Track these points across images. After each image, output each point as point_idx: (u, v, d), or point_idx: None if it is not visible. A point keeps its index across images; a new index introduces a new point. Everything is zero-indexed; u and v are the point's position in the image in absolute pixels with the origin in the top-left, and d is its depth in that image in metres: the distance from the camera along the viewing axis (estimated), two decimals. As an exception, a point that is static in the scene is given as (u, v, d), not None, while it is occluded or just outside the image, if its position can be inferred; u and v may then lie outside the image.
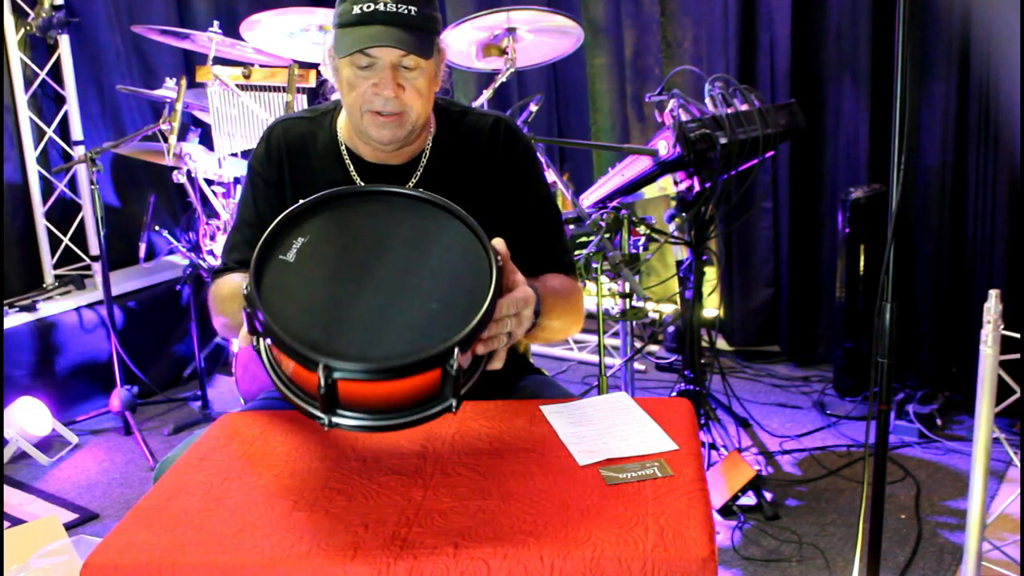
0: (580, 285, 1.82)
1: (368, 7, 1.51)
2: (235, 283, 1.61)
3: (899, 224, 1.69)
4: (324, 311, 1.22)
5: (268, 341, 1.20)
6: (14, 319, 3.42)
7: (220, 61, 3.32)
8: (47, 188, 3.85)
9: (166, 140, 3.21)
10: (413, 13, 1.52)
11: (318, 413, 1.19)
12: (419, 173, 1.68)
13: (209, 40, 3.29)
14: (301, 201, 1.33)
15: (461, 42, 3.06)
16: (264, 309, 1.19)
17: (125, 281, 3.82)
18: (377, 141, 1.62)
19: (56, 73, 3.80)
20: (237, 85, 3.32)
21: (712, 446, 2.78)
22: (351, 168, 1.68)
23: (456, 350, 1.16)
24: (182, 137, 3.37)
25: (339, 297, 1.24)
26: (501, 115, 1.75)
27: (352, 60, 1.55)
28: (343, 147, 1.70)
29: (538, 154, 1.94)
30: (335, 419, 1.19)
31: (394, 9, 1.51)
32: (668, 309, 4.05)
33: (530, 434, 1.40)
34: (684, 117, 2.61)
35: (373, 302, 1.23)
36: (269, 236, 1.28)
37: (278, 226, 1.30)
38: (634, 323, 3.19)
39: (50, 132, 3.83)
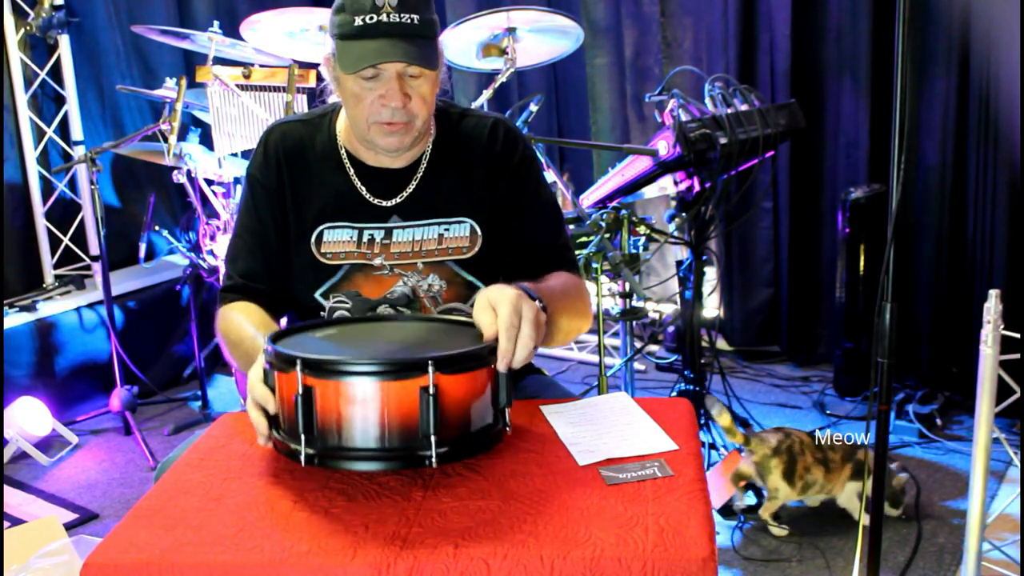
0: (585, 281, 1.82)
1: (371, 19, 1.48)
2: (242, 332, 1.56)
3: (899, 224, 1.68)
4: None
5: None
6: (14, 319, 3.42)
7: (220, 61, 3.32)
8: (47, 188, 3.85)
9: (166, 140, 3.21)
10: (416, 22, 1.50)
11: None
12: (419, 176, 1.68)
13: (209, 40, 3.28)
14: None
15: (461, 42, 3.06)
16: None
17: (125, 281, 3.82)
18: (384, 149, 1.61)
19: (56, 73, 3.80)
20: (237, 85, 3.32)
21: (712, 446, 2.78)
22: (351, 172, 1.67)
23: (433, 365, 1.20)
24: (182, 137, 3.37)
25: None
26: (500, 117, 1.74)
27: (358, 73, 1.53)
28: (343, 151, 1.68)
29: (538, 155, 1.93)
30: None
31: (397, 19, 1.48)
32: (668, 309, 4.05)
33: (530, 434, 1.40)
34: (684, 117, 2.61)
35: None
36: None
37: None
38: (634, 323, 3.19)
39: (50, 132, 3.83)
